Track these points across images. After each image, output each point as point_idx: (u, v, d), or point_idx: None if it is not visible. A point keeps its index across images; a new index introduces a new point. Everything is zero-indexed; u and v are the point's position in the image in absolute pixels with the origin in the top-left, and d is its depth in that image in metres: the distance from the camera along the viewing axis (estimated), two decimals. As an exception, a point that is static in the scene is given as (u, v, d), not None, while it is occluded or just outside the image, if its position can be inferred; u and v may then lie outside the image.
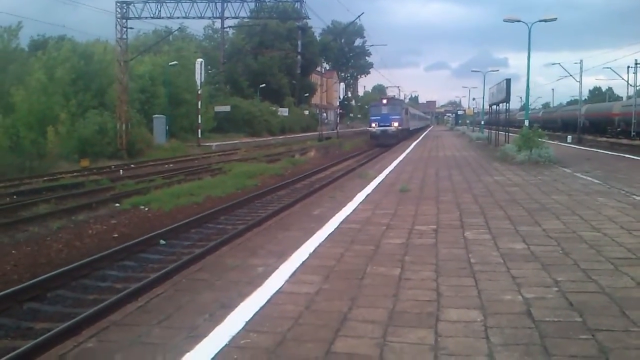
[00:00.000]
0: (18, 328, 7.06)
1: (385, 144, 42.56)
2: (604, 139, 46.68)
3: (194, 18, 39.45)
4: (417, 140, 44.44)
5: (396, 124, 45.24)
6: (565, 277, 5.50)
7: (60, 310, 7.70)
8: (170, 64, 46.21)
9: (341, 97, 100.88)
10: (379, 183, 14.17)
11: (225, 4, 45.07)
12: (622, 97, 77.48)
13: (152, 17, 37.28)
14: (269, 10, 51.18)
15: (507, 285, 5.29)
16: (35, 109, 32.79)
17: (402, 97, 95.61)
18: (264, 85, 70.27)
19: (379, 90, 66.04)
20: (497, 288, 5.19)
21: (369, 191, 12.49)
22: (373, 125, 46.45)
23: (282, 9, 46.88)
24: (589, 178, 14.55)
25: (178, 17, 39.16)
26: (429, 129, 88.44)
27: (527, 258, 6.31)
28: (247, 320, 4.48)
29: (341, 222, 8.70)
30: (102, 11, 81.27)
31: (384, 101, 48.93)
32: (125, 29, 35.57)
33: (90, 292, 8.48)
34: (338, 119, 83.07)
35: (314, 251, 6.79)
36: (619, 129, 47.05)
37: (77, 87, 35.81)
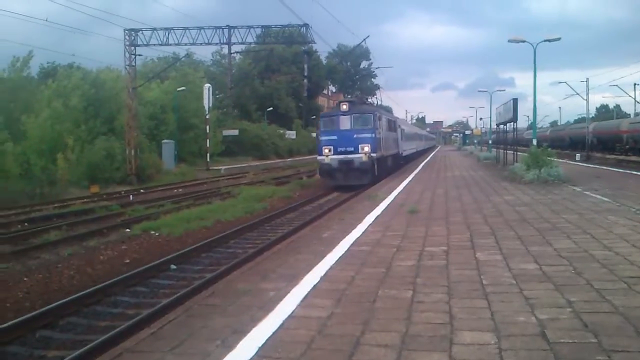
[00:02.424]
0: (31, 356, 7.07)
1: (349, 184, 25.50)
2: (613, 156, 46.40)
3: (201, 44, 39.84)
4: (425, 161, 44.19)
5: (367, 149, 25.78)
6: (578, 297, 5.47)
7: (73, 337, 7.70)
8: (178, 89, 46.62)
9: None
10: (388, 204, 14.16)
11: (232, 30, 45.62)
12: (629, 115, 77.28)
13: (160, 44, 37.71)
14: (275, 35, 51.71)
15: (520, 306, 5.26)
16: (46, 136, 33.09)
17: (407, 118, 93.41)
18: (271, 108, 70.74)
19: (387, 111, 63.00)
20: (511, 309, 5.16)
21: (378, 212, 12.48)
22: (325, 151, 26.30)
23: (288, 34, 47.19)
24: (598, 196, 14.48)
25: (185, 44, 39.59)
26: (436, 150, 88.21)
27: (540, 278, 6.27)
28: (259, 345, 4.48)
29: (351, 245, 8.69)
30: (111, 39, 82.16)
31: (344, 107, 26.82)
32: (133, 56, 35.99)
33: (103, 319, 8.49)
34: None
35: (324, 274, 6.78)
36: (627, 146, 46.80)
37: (88, 114, 36.17)
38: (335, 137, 26.14)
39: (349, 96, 77.28)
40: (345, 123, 26.26)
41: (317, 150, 28.76)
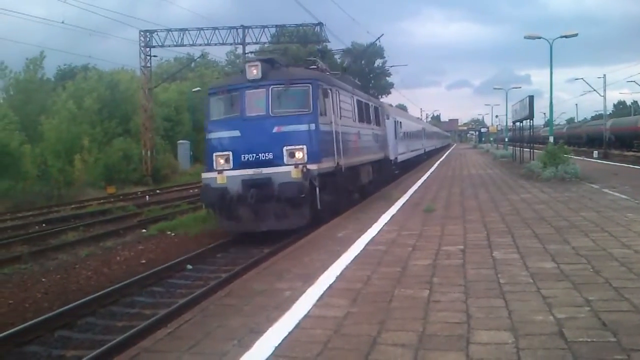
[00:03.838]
0: (49, 356, 7.13)
1: (264, 228, 13.26)
2: (631, 153, 45.93)
3: (216, 45, 39.90)
4: (441, 159, 43.96)
5: (301, 155, 13.08)
6: (597, 296, 5.41)
7: (91, 337, 7.76)
8: (193, 90, 46.83)
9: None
10: (403, 203, 14.12)
11: (246, 30, 45.65)
12: (647, 111, 76.37)
13: (175, 45, 37.85)
14: (290, 34, 51.75)
15: (538, 305, 5.21)
16: (63, 137, 33.44)
17: (422, 116, 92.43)
18: (286, 107, 70.69)
19: (401, 109, 61.51)
20: (528, 308, 5.11)
21: (394, 212, 12.45)
22: (220, 162, 13.48)
23: (302, 33, 47.21)
24: (616, 194, 14.33)
25: (200, 44, 39.66)
26: (451, 148, 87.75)
27: (558, 277, 6.22)
28: (276, 345, 4.48)
29: (367, 244, 8.68)
30: (127, 40, 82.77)
31: (253, 72, 13.50)
32: (149, 57, 36.23)
33: (120, 319, 8.54)
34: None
35: (340, 274, 6.78)
36: (646, 143, 46.33)
37: (103, 115, 36.48)
38: (236, 134, 13.39)
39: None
40: (255, 103, 13.54)
41: (204, 160, 15.21)
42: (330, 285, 6.24)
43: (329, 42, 46.08)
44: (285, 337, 4.66)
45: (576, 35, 27.70)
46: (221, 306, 5.82)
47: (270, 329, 4.87)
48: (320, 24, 40.20)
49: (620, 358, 3.94)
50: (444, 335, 4.53)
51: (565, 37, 27.68)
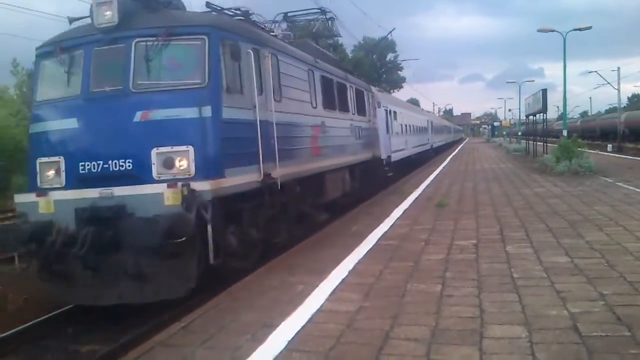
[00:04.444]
0: (65, 350, 7.18)
1: (101, 300, 7.08)
2: (646, 146, 45.47)
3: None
4: (453, 153, 43.75)
5: (185, 165, 7.05)
6: (611, 290, 5.38)
7: (103, 335, 7.77)
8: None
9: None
10: (416, 198, 14.09)
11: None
12: (663, 103, 75.63)
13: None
14: (301, 29, 51.74)
15: (552, 299, 5.20)
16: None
17: (434, 110, 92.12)
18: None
19: (413, 103, 60.02)
20: (542, 303, 5.10)
21: (406, 206, 12.43)
22: (47, 174, 7.48)
23: (313, 28, 47.20)
24: (631, 187, 14.21)
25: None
26: (464, 142, 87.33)
27: (571, 271, 6.19)
28: (289, 339, 4.50)
29: (379, 239, 8.68)
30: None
31: (106, 14, 7.34)
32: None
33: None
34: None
35: (353, 268, 6.79)
36: (661, 136, 45.87)
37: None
38: (71, 125, 7.45)
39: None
40: (106, 71, 7.55)
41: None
42: (343, 280, 6.26)
43: (340, 36, 45.94)
44: (298, 331, 4.68)
45: (590, 28, 27.55)
46: (234, 301, 5.85)
47: (283, 323, 4.89)
48: (332, 18, 40.14)
49: (635, 352, 3.93)
50: (456, 330, 4.52)
51: (579, 29, 27.52)
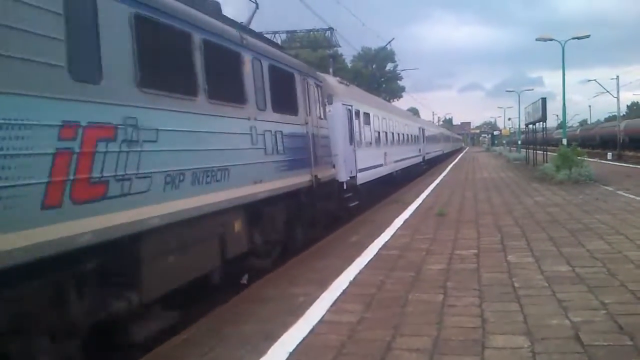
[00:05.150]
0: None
1: None
2: (646, 154, 45.48)
3: (227, 51, 40.16)
4: (454, 162, 43.73)
5: None
6: (613, 299, 5.37)
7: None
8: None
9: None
10: (416, 207, 14.08)
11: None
12: (662, 111, 75.75)
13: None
14: (301, 39, 51.93)
15: (554, 309, 5.19)
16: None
17: (434, 119, 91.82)
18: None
19: (413, 113, 59.94)
20: (543, 312, 5.09)
21: (407, 216, 12.42)
22: None
23: (313, 39, 47.35)
24: (631, 196, 14.21)
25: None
26: (464, 152, 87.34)
27: (573, 280, 6.18)
28: (290, 351, 4.49)
29: (380, 249, 8.67)
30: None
31: None
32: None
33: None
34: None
35: (354, 279, 6.78)
36: (661, 144, 45.90)
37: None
38: None
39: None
40: None
41: None
42: (344, 291, 6.24)
43: (339, 46, 46.13)
44: (300, 342, 4.67)
45: (588, 36, 27.63)
46: (236, 312, 5.84)
47: (284, 334, 4.87)
48: (331, 29, 40.28)
49: (637, 362, 3.91)
50: (458, 340, 4.51)
51: (577, 38, 27.60)
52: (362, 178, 14.83)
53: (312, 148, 10.49)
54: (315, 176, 10.46)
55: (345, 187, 13.09)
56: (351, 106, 14.73)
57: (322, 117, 11.70)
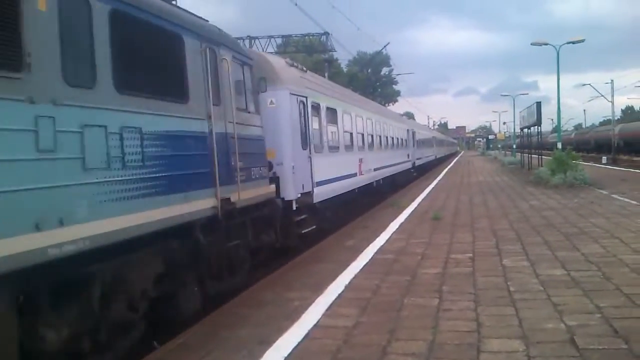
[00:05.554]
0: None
1: None
2: (640, 158, 45.62)
3: (222, 55, 40.14)
4: (449, 166, 43.77)
5: None
6: (608, 302, 5.38)
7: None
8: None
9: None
10: (412, 211, 14.09)
11: (253, 41, 45.97)
12: (656, 115, 76.05)
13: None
14: (296, 44, 51.98)
15: (549, 313, 5.19)
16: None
17: (429, 124, 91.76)
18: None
19: (408, 117, 59.94)
20: (539, 316, 5.09)
21: (402, 220, 12.42)
22: None
23: (308, 43, 47.39)
24: (626, 199, 14.25)
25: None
26: (459, 156, 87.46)
27: (568, 284, 6.19)
28: (285, 356, 4.47)
29: (375, 253, 8.66)
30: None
31: None
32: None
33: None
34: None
35: (349, 283, 6.77)
36: (655, 148, 46.07)
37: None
38: None
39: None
40: None
41: None
42: (340, 295, 6.24)
43: (335, 51, 46.14)
44: (295, 347, 4.66)
45: (583, 41, 27.64)
46: (231, 316, 5.83)
47: (280, 339, 4.86)
48: (326, 33, 40.35)
49: (632, 365, 3.92)
50: (454, 344, 4.51)
51: (572, 43, 27.62)
52: (321, 194, 11.50)
53: (223, 156, 6.88)
54: (227, 199, 6.91)
55: (295, 207, 10.03)
56: (305, 98, 11.30)
57: (252, 110, 8.41)
